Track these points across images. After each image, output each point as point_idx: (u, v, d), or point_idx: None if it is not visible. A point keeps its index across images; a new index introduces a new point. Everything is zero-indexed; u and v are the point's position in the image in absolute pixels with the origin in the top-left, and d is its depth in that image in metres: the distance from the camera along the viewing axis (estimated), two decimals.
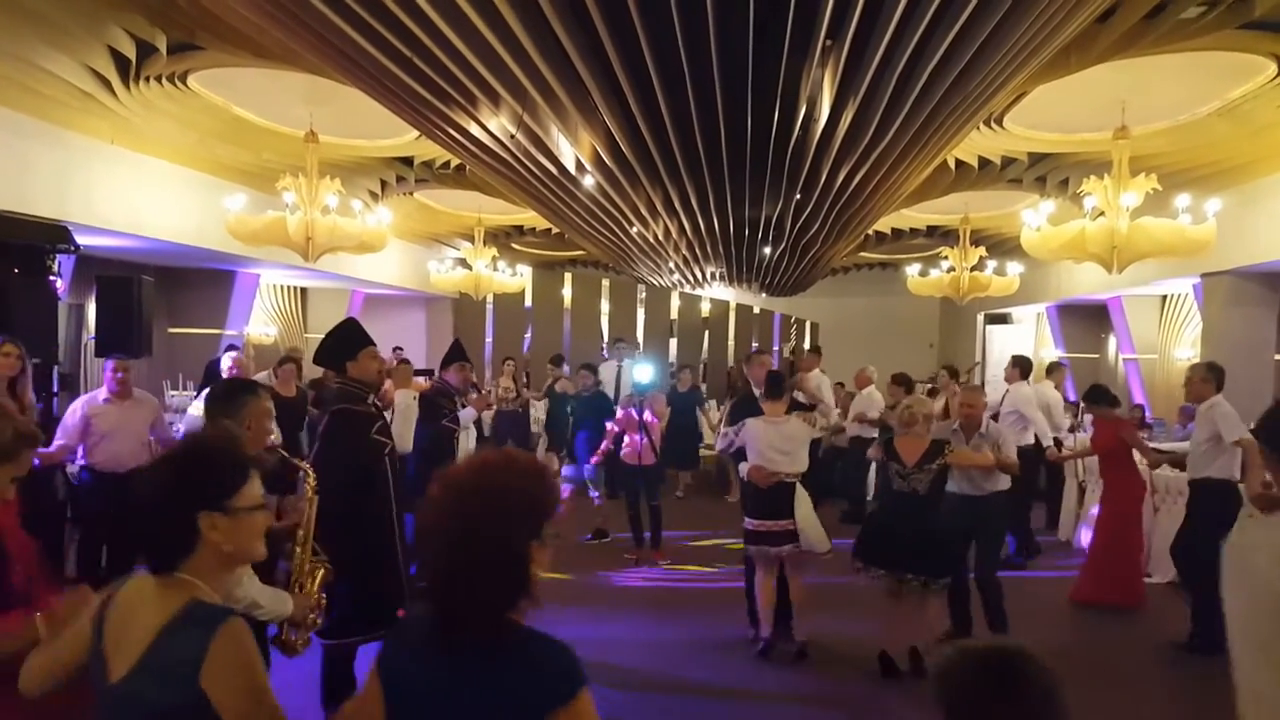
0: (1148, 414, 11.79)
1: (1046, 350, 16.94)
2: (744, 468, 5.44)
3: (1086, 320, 16.05)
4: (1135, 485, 6.64)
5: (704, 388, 12.95)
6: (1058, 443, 8.21)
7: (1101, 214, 7.24)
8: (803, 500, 5.31)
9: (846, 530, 6.73)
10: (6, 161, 7.56)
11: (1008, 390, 8.30)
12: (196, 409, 5.85)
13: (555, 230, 12.83)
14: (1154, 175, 7.13)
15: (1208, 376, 5.64)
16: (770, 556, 5.31)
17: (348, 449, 4.25)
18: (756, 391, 5.84)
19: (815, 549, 5.31)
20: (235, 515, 1.66)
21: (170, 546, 1.65)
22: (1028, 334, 18.39)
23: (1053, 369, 9.29)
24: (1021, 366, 8.29)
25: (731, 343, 15.86)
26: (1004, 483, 5.53)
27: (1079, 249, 7.44)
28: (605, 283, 15.47)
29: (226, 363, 7.44)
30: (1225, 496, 5.26)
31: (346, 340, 4.42)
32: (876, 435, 8.88)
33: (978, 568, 5.55)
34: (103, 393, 5.83)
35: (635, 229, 9.60)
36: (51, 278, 7.44)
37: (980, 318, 18.20)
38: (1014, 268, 12.56)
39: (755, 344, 14.71)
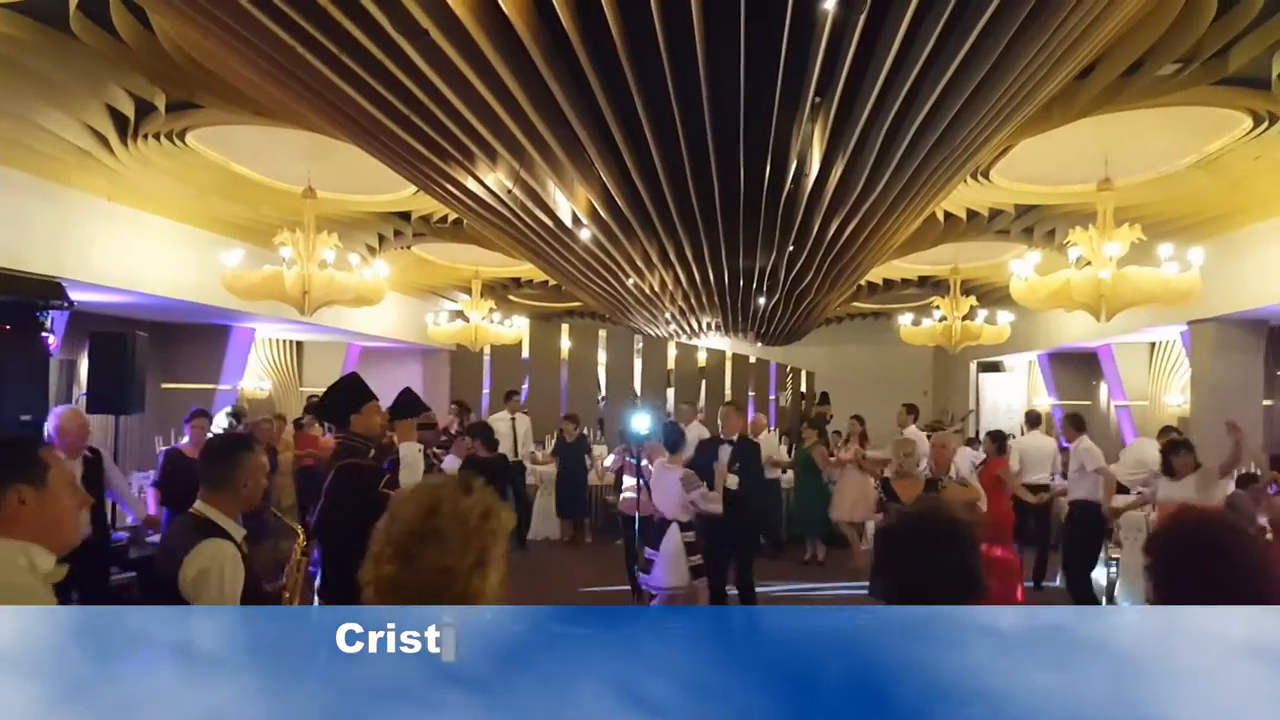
0: None
1: (1040, 398, 16.98)
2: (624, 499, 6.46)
3: (1078, 368, 16.13)
4: (1007, 513, 7.12)
5: (593, 435, 12.89)
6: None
7: (1088, 264, 7.34)
8: (672, 536, 5.94)
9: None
10: (3, 219, 7.58)
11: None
12: None
13: (552, 282, 12.93)
14: (1138, 225, 7.25)
15: (1071, 425, 7.76)
16: (643, 584, 6.22)
17: (355, 503, 4.23)
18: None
19: (660, 582, 5.95)
20: None
21: None
22: (1020, 382, 18.43)
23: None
24: (914, 413, 9.82)
25: (728, 392, 15.88)
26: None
27: (1066, 298, 7.54)
28: (602, 333, 15.52)
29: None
30: (1091, 513, 7.14)
31: (350, 395, 4.44)
32: (780, 475, 9.99)
33: None
34: None
35: (631, 281, 9.69)
36: (44, 334, 7.43)
37: (973, 366, 18.27)
38: (1005, 316, 12.65)
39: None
